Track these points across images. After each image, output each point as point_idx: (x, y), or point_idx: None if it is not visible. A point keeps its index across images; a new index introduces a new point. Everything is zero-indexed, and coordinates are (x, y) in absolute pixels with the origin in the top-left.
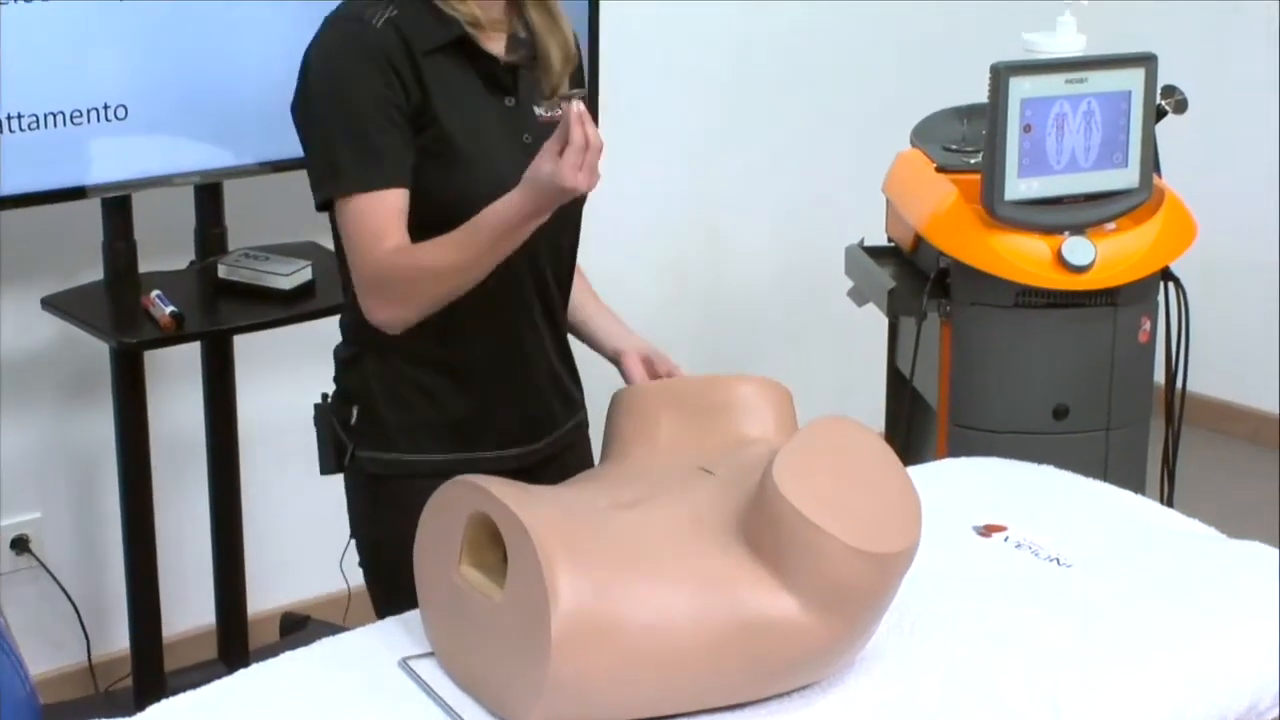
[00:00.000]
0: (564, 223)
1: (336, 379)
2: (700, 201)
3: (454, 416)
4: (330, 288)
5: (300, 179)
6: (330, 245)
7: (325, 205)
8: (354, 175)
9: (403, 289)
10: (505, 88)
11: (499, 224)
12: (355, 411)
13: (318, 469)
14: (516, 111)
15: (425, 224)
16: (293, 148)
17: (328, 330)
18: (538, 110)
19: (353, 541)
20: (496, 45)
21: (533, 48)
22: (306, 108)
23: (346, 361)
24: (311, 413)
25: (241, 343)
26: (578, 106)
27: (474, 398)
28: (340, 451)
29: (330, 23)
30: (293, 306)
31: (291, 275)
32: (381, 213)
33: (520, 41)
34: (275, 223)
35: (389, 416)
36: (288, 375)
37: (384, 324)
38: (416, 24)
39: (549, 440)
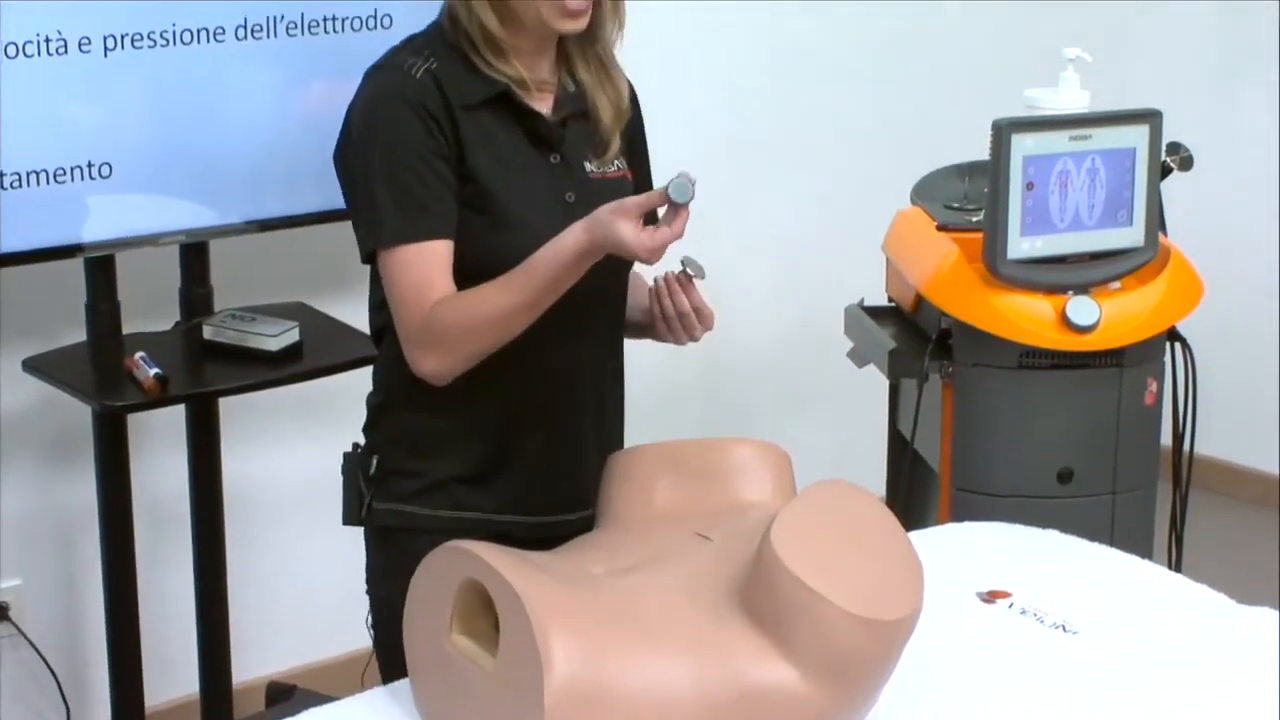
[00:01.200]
0: (613, 272)
1: (364, 427)
2: (701, 259)
3: (474, 473)
4: (319, 349)
5: (287, 238)
6: (320, 305)
7: (369, 257)
8: (397, 226)
9: (451, 339)
10: (550, 144)
11: (556, 264)
12: (375, 461)
13: (304, 534)
14: (561, 168)
15: (458, 279)
16: (280, 206)
17: (315, 392)
18: (588, 166)
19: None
20: (543, 102)
21: (582, 102)
22: (348, 158)
23: (374, 410)
24: (300, 476)
25: (227, 406)
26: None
27: (498, 455)
28: (360, 502)
29: (371, 74)
30: (280, 368)
31: (279, 336)
32: (427, 264)
33: (569, 97)
34: (262, 283)
35: (407, 468)
36: (274, 439)
37: (431, 375)
38: (456, 78)
39: (578, 516)
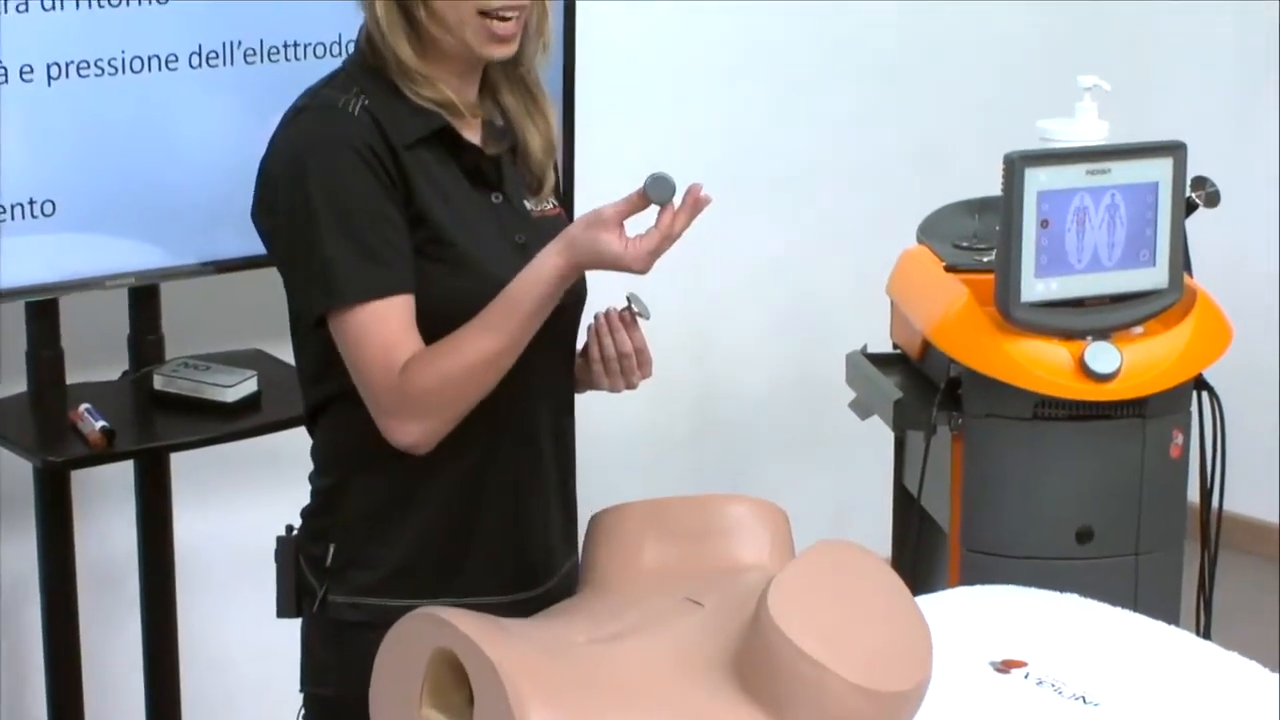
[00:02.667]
0: (562, 344)
1: (309, 512)
2: (686, 304)
3: (449, 558)
4: (279, 399)
5: (245, 281)
6: (280, 353)
7: (319, 322)
8: (353, 283)
9: (432, 401)
10: (491, 182)
11: (536, 294)
12: (331, 550)
13: (264, 601)
14: (505, 208)
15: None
16: (236, 246)
17: (276, 448)
18: (529, 205)
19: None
20: (473, 134)
21: (510, 135)
22: (279, 214)
23: (324, 493)
24: (259, 539)
25: (180, 462)
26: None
27: (465, 525)
28: (304, 594)
29: (299, 113)
30: (236, 421)
31: (235, 387)
32: (391, 322)
33: (497, 131)
34: (217, 329)
35: (373, 557)
36: (231, 497)
37: (414, 445)
38: (392, 114)
39: (550, 585)
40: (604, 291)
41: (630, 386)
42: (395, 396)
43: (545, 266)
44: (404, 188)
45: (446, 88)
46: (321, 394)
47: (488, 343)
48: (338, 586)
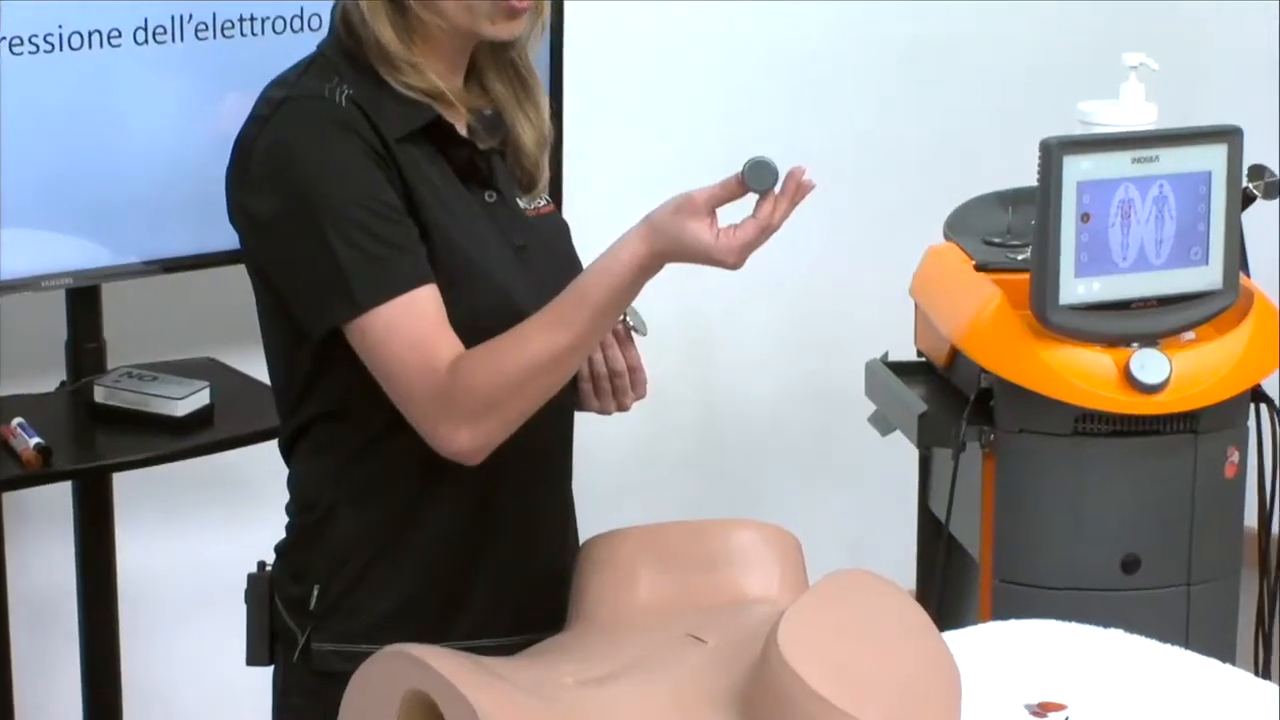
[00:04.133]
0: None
1: (287, 547)
2: (685, 307)
3: (452, 595)
4: (234, 413)
5: (195, 282)
6: (235, 361)
7: (328, 335)
8: (374, 282)
9: (490, 403)
10: (483, 179)
11: (613, 286)
12: (315, 591)
13: (219, 641)
14: (500, 207)
15: None
16: (185, 243)
17: (230, 466)
18: (522, 204)
19: None
20: (460, 126)
21: (500, 126)
22: (274, 214)
23: (306, 527)
24: (214, 570)
25: (123, 482)
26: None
27: (480, 568)
28: (280, 639)
29: (281, 104)
30: (186, 437)
31: (185, 399)
32: (420, 317)
33: (488, 122)
34: (165, 335)
35: (365, 598)
36: (181, 523)
37: (466, 452)
38: (378, 104)
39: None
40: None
41: (622, 408)
42: (442, 397)
43: (624, 253)
44: (401, 185)
45: (434, 75)
46: (305, 416)
47: (555, 338)
48: (323, 632)
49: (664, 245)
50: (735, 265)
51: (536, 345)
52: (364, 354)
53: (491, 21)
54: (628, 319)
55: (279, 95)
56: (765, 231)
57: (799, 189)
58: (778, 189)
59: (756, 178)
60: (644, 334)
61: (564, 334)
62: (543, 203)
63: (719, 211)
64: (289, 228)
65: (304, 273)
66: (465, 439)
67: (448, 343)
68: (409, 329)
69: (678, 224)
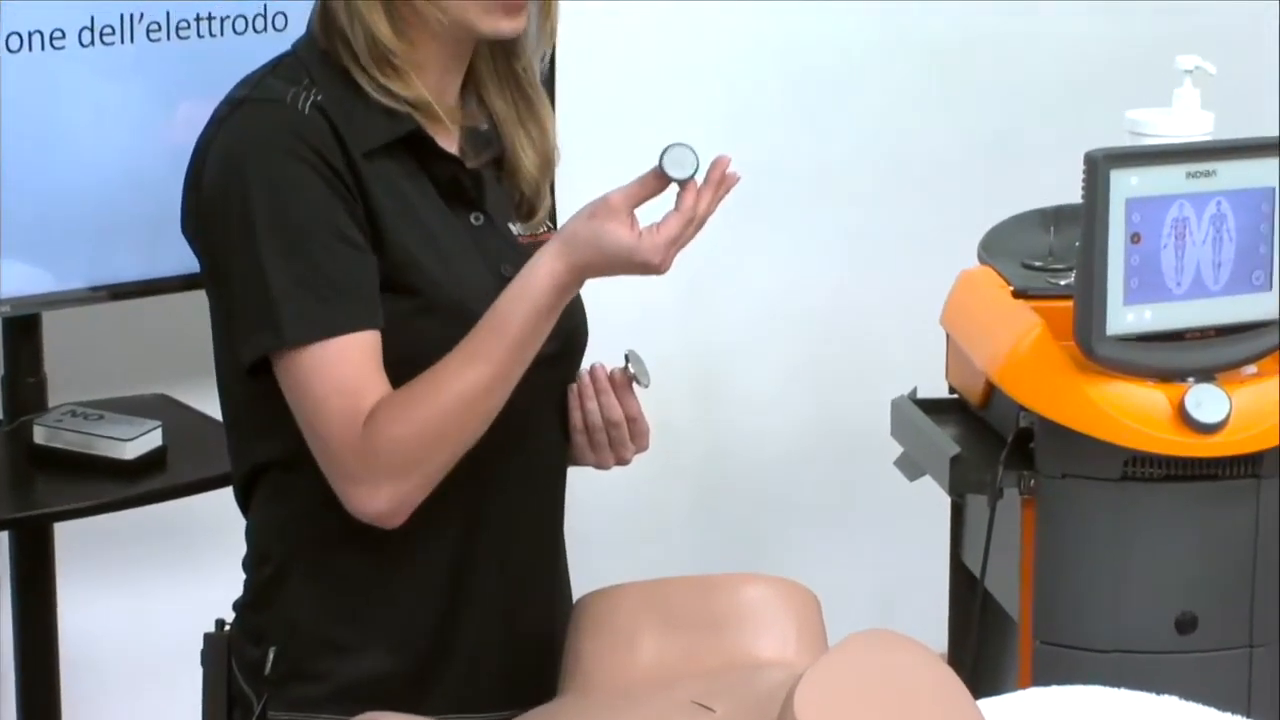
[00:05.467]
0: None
1: (243, 605)
2: (689, 339)
3: (424, 664)
4: (189, 455)
5: (146, 310)
6: (190, 399)
7: (258, 366)
8: (306, 317)
9: (405, 455)
10: (471, 200)
11: (530, 310)
12: (271, 655)
13: (173, 708)
14: (487, 231)
15: None
16: (134, 268)
17: (185, 515)
18: (515, 229)
19: None
20: (448, 141)
21: (499, 146)
22: (216, 227)
23: (263, 584)
24: (167, 630)
25: (65, 534)
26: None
27: (456, 634)
28: (236, 705)
29: (237, 107)
30: (136, 483)
31: (135, 440)
32: (352, 363)
33: (481, 138)
34: (112, 369)
35: (325, 664)
36: (130, 577)
37: (384, 515)
38: (349, 113)
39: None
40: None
41: (620, 462)
42: (359, 454)
43: (540, 273)
44: (362, 204)
45: (423, 82)
46: (259, 458)
47: (472, 374)
48: (279, 700)
49: (582, 257)
50: (661, 267)
51: (455, 385)
52: (287, 392)
53: (489, 14)
54: (629, 366)
55: (239, 96)
56: (690, 224)
57: (724, 179)
58: (699, 178)
59: (675, 166)
60: (646, 385)
61: (483, 369)
62: (543, 230)
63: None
64: (228, 245)
65: (238, 293)
66: (385, 499)
67: (378, 391)
68: (337, 373)
69: (594, 230)
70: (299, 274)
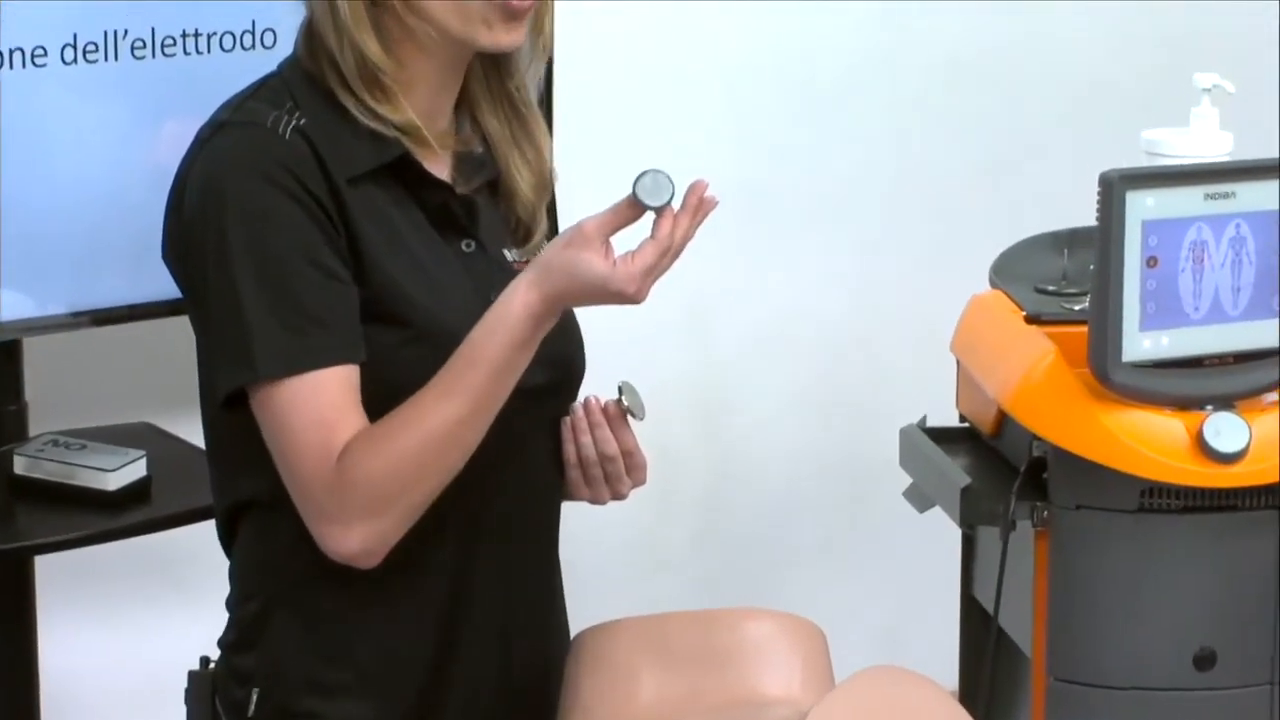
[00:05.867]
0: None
1: (227, 645)
2: (689, 366)
3: (414, 710)
4: (175, 486)
5: (130, 336)
6: (175, 428)
7: (233, 399)
8: (282, 350)
9: (379, 493)
10: (461, 227)
11: (505, 342)
12: (255, 696)
13: None
14: (478, 259)
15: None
16: (118, 292)
17: (171, 549)
18: (510, 255)
19: None
20: (440, 164)
21: (494, 169)
22: (194, 254)
23: (246, 623)
24: (153, 669)
25: (47, 567)
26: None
27: (448, 678)
28: None
29: (217, 131)
30: (120, 515)
31: (118, 471)
32: (327, 396)
33: (474, 161)
34: (95, 397)
35: (310, 708)
36: (113, 612)
37: (357, 555)
38: (333, 137)
39: None
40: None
41: (617, 497)
42: (332, 491)
43: (515, 303)
44: (344, 233)
45: (413, 105)
46: (242, 494)
47: (447, 408)
48: None
49: (556, 286)
50: (637, 296)
51: (430, 421)
52: (262, 426)
53: (487, 26)
54: (622, 399)
55: (220, 119)
56: (666, 254)
57: (701, 204)
58: (676, 204)
59: (650, 193)
60: (640, 418)
61: (458, 403)
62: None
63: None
64: (205, 273)
65: (214, 323)
66: (358, 540)
67: (352, 427)
68: (311, 408)
69: (568, 258)
70: (274, 305)
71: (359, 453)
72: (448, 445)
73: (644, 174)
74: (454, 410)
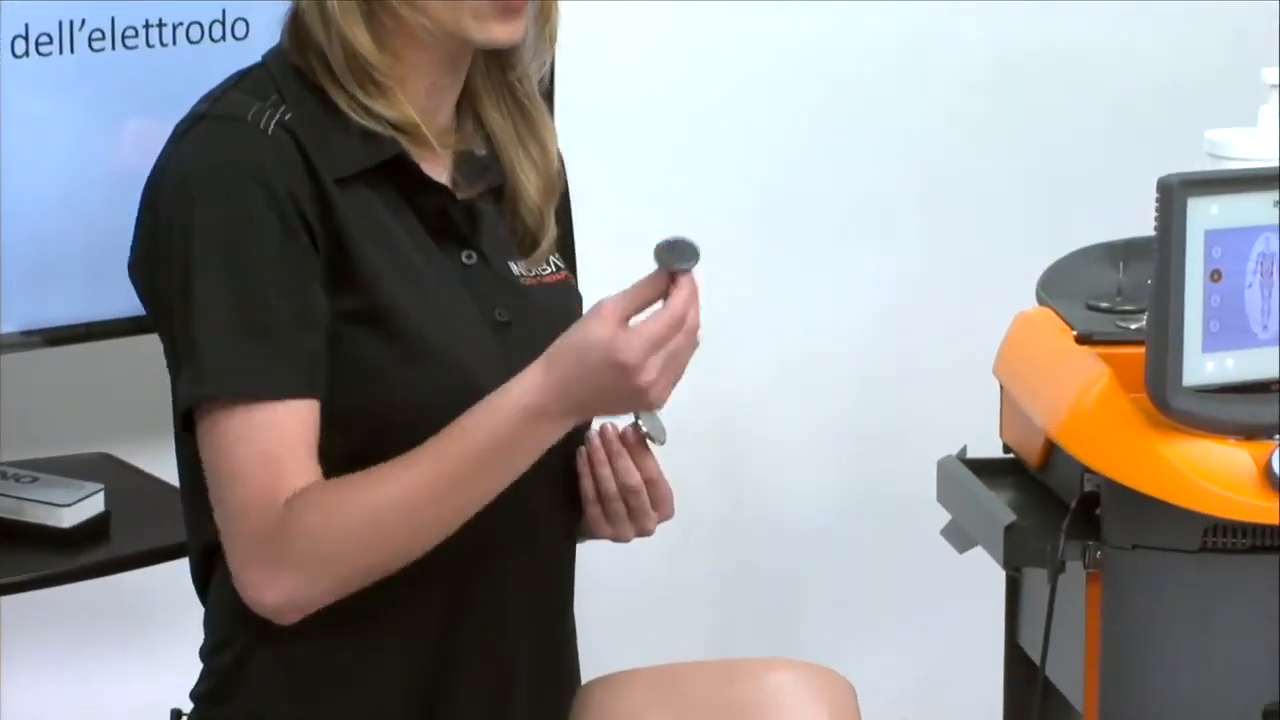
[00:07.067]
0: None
1: (200, 696)
2: (707, 395)
3: None
4: (136, 522)
5: (87, 358)
6: (136, 458)
7: (188, 420)
8: (234, 370)
9: (319, 550)
10: (462, 236)
11: (500, 423)
12: None
13: None
14: (481, 271)
15: (340, 455)
16: (74, 309)
17: (132, 589)
18: (514, 268)
19: None
20: (438, 169)
21: (499, 173)
22: (161, 258)
23: (219, 673)
24: (106, 716)
25: (9, 608)
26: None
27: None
28: None
29: (194, 124)
30: (76, 554)
31: (73, 506)
32: (280, 431)
33: (477, 164)
34: (49, 425)
35: None
36: (71, 659)
37: (278, 608)
38: (322, 134)
39: None
40: None
41: (643, 532)
42: (268, 537)
43: (517, 384)
44: (330, 240)
45: (410, 100)
46: (215, 534)
47: (415, 478)
48: None
49: (562, 367)
50: (637, 372)
51: (392, 486)
52: (203, 451)
53: (478, 20)
54: (640, 424)
55: (199, 110)
56: (678, 328)
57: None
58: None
59: (675, 256)
60: (661, 442)
61: (427, 473)
62: (549, 270)
63: None
64: (170, 279)
65: (177, 335)
66: (282, 594)
67: (302, 473)
68: (260, 441)
69: (577, 335)
70: (239, 321)
71: (307, 503)
72: (404, 521)
73: (669, 240)
74: (421, 479)
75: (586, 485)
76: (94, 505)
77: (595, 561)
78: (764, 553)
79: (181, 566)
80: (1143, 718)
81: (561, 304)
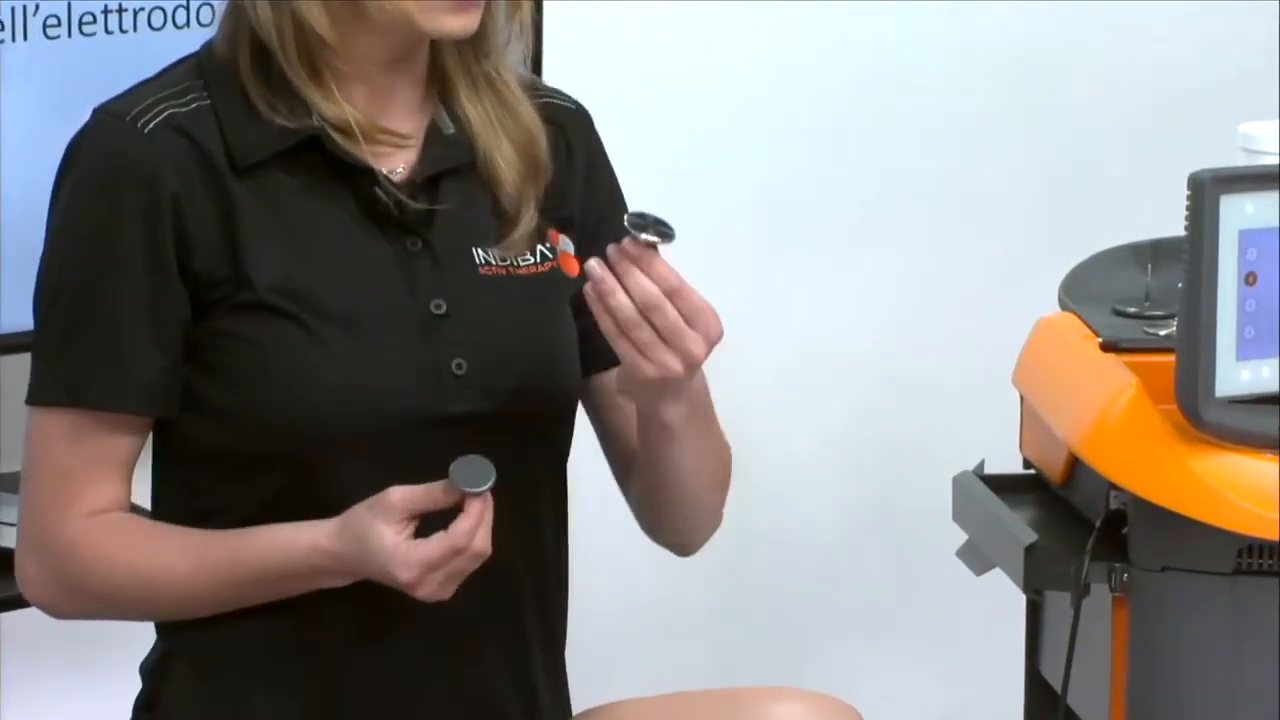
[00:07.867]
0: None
1: (137, 702)
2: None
3: None
4: None
5: None
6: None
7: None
8: (64, 378)
9: (80, 580)
10: (401, 221)
11: (279, 563)
12: None
13: None
14: (424, 259)
15: (231, 458)
16: (24, 314)
17: None
18: (478, 255)
19: None
20: (391, 156)
21: (468, 149)
22: (44, 252)
23: (147, 673)
24: None
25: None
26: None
27: None
28: None
29: (90, 119)
30: None
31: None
32: (93, 448)
33: (446, 142)
34: (5, 440)
35: None
36: (21, 689)
37: (36, 603)
38: (234, 121)
39: None
40: None
41: (690, 360)
42: (49, 546)
43: (305, 537)
44: (220, 234)
45: (367, 86)
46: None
47: (177, 564)
48: None
49: (346, 546)
50: (412, 586)
51: (159, 561)
52: (26, 449)
53: (428, 11)
54: (634, 232)
55: (99, 107)
56: (453, 553)
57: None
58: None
59: (470, 477)
60: (671, 239)
61: (186, 566)
62: (531, 260)
63: None
64: (39, 274)
65: (35, 336)
66: (44, 596)
67: (109, 496)
68: (76, 452)
69: (365, 522)
70: (62, 323)
71: (88, 542)
72: (151, 595)
73: (463, 460)
74: (179, 568)
75: (606, 324)
76: None
77: (587, 580)
78: (769, 574)
79: None
80: None
81: (528, 296)
